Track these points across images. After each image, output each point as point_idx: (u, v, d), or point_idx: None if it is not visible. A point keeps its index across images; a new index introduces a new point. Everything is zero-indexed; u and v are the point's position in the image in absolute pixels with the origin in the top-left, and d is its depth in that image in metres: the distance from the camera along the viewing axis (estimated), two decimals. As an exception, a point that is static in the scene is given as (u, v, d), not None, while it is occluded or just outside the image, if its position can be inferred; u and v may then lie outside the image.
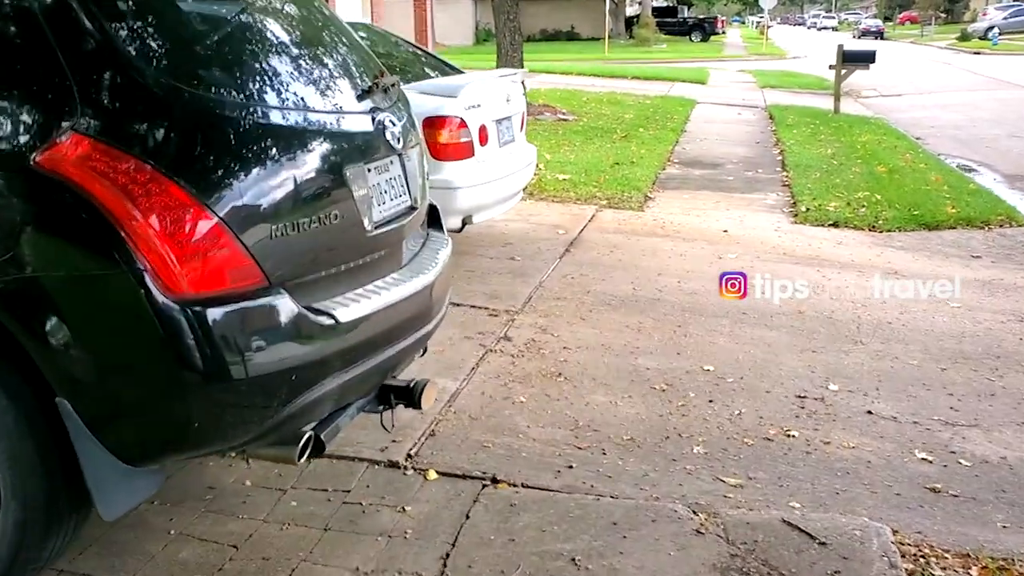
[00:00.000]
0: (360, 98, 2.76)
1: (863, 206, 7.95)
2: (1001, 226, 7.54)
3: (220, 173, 2.21)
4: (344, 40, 3.03)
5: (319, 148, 2.47)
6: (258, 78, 2.41)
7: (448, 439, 3.50)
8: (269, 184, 2.28)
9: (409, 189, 2.99)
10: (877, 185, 8.84)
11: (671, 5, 54.47)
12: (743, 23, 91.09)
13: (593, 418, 3.76)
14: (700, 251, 6.54)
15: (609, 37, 36.74)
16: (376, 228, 2.69)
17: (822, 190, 8.62)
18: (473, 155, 5.39)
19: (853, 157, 10.70)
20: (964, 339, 4.91)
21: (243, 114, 2.29)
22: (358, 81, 2.82)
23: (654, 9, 48.10)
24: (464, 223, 5.44)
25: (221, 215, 2.15)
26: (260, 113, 2.33)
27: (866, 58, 15.35)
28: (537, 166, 9.06)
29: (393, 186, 2.87)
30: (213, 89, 2.27)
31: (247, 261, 2.21)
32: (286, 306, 2.27)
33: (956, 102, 18.55)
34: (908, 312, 5.31)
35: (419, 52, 6.51)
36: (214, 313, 2.13)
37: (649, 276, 5.85)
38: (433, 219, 3.44)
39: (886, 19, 75.48)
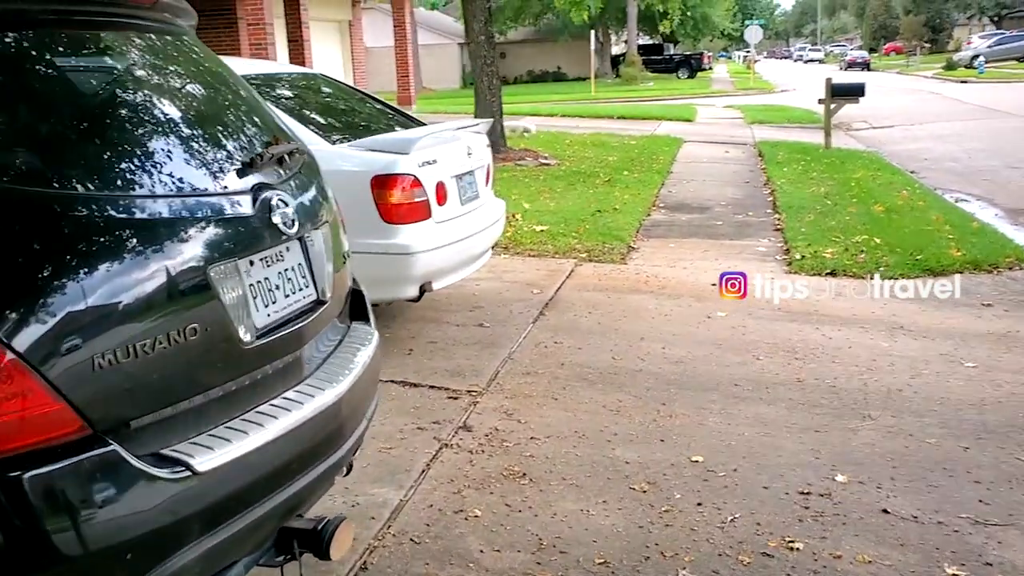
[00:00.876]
0: (240, 174, 2.22)
1: (862, 251, 7.42)
2: (1011, 268, 7.00)
3: (14, 289, 1.65)
4: (231, 102, 2.51)
5: (168, 245, 1.91)
6: (83, 159, 1.86)
7: (382, 574, 2.90)
8: (91, 298, 1.72)
9: (314, 279, 2.44)
10: (875, 227, 8.32)
11: (657, 43, 54.54)
12: (729, 58, 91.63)
13: (561, 533, 3.17)
14: (687, 310, 5.98)
15: (596, 76, 36.56)
16: (261, 337, 2.13)
17: (817, 234, 8.10)
18: (429, 216, 4.86)
19: (848, 196, 10.20)
20: (985, 408, 4.34)
21: (58, 207, 1.74)
22: (238, 154, 2.28)
23: (640, 47, 48.10)
24: (422, 291, 4.89)
25: (14, 345, 1.60)
26: (82, 204, 1.78)
27: (855, 91, 14.93)
28: (514, 216, 8.57)
29: (290, 279, 2.32)
30: (11, 175, 1.72)
31: (55, 405, 1.64)
32: (116, 459, 1.71)
33: (949, 132, 18.16)
34: (919, 376, 4.75)
35: (374, 104, 5.99)
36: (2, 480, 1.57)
37: (631, 342, 5.29)
38: (357, 308, 2.88)
39: (871, 50, 75.83)
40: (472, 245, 5.26)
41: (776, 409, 4.36)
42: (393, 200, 4.67)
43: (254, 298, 2.15)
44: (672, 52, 54.36)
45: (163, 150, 2.06)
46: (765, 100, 31.11)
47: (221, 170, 2.18)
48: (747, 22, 48.26)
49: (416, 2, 49.49)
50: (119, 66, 2.24)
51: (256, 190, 2.23)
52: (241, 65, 5.50)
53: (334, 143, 4.80)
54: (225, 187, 2.15)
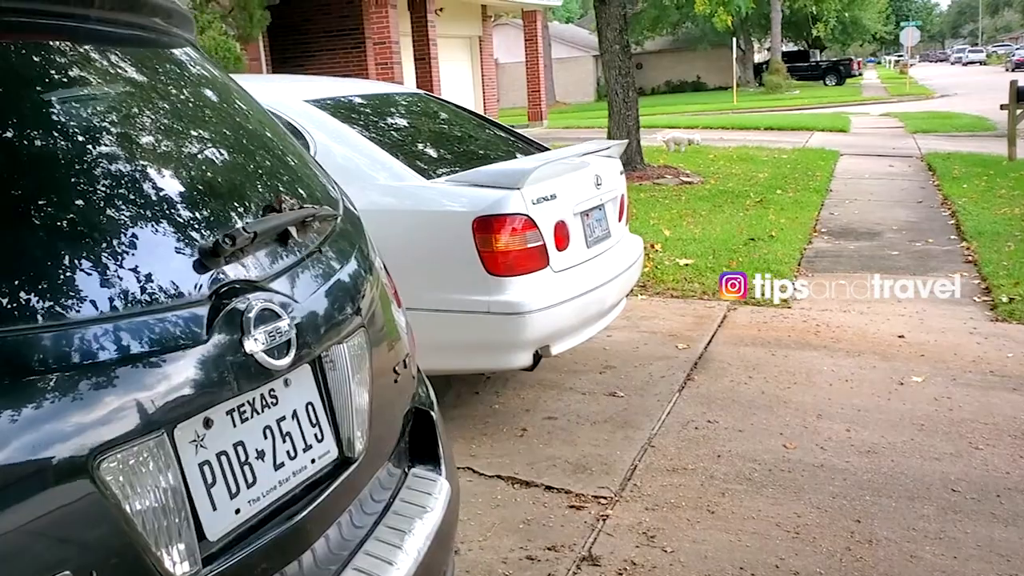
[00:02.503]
0: (198, 269, 1.29)
1: (1089, 291, 5.99)
2: None
3: None
4: (225, 143, 1.60)
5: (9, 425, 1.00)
6: None
7: None
8: None
9: (336, 424, 1.50)
10: (1098, 259, 6.82)
11: (802, 49, 52.02)
12: (879, 63, 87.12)
13: None
14: (871, 372, 4.77)
15: (738, 86, 34.88)
16: (222, 555, 1.21)
17: (1020, 267, 6.67)
18: (546, 264, 3.88)
19: (1051, 218, 8.63)
20: None
21: None
22: (202, 232, 1.35)
23: (784, 54, 45.84)
24: (538, 358, 3.91)
25: None
26: None
27: (1046, 94, 13.07)
28: (652, 247, 7.50)
29: (287, 433, 1.40)
30: None
31: None
32: None
33: None
34: None
35: (489, 128, 5.06)
36: None
37: (805, 420, 4.14)
38: (421, 439, 1.92)
39: (1041, 49, 70.33)
40: (601, 297, 4.23)
41: (1018, 532, 3.15)
42: (500, 246, 3.71)
43: (209, 485, 1.22)
44: (818, 58, 51.71)
45: (64, 229, 1.16)
46: (924, 107, 28.75)
47: (162, 263, 1.26)
48: (902, 24, 45.31)
49: (550, 16, 48.99)
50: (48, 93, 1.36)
51: (219, 296, 1.30)
52: (325, 86, 4.69)
53: (430, 177, 3.89)
54: (159, 296, 1.23)
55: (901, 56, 75.88)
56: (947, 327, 5.56)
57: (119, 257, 1.19)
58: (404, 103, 4.88)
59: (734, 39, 35.83)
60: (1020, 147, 13.57)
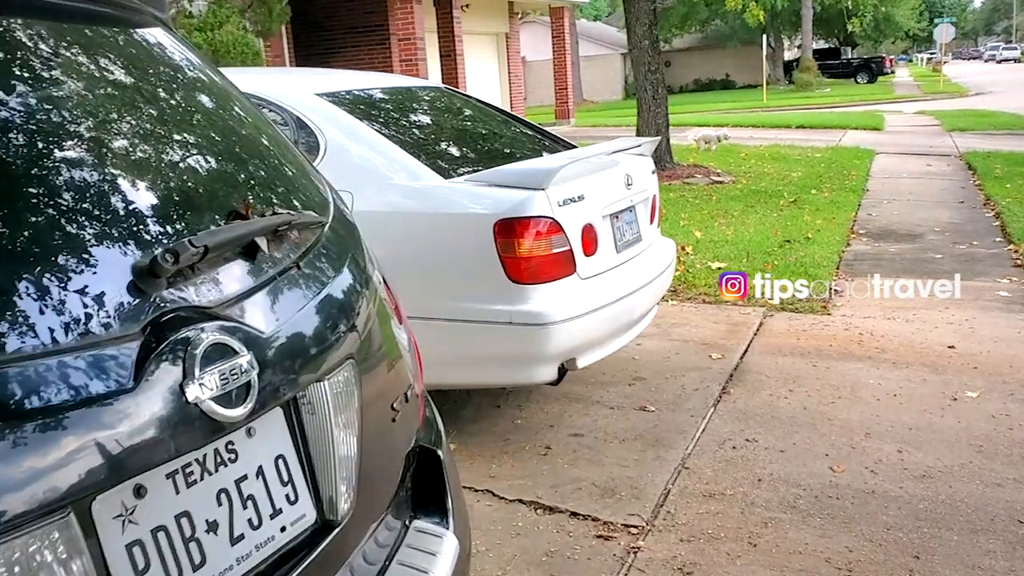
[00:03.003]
0: (131, 293, 1.03)
1: None
2: None
3: None
4: (189, 142, 1.34)
5: None
6: None
7: None
8: None
9: (314, 481, 1.23)
10: None
11: (833, 47, 51.28)
12: (910, 61, 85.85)
13: None
14: (922, 387, 4.45)
15: (767, 83, 34.35)
16: None
17: (1078, 273, 6.30)
18: (573, 271, 3.60)
19: (1103, 219, 8.22)
20: None
21: None
22: (145, 246, 1.09)
23: (815, 51, 45.13)
24: (563, 372, 3.63)
25: None
26: None
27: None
28: (683, 249, 7.19)
29: (250, 497, 1.13)
30: None
31: None
32: None
33: None
34: None
35: (514, 124, 4.77)
36: None
37: (852, 439, 3.83)
38: (427, 487, 1.65)
39: (1077, 45, 69.01)
40: (631, 305, 3.94)
41: (1097, 572, 2.83)
42: (523, 252, 3.43)
43: (141, 572, 0.96)
44: (850, 56, 50.96)
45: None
46: (960, 104, 28.14)
47: (81, 286, 0.99)
48: (936, 20, 44.52)
49: (578, 13, 48.67)
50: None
51: (156, 328, 1.03)
52: (339, 79, 4.44)
53: (449, 177, 3.61)
54: (72, 330, 0.96)
55: (934, 54, 74.73)
56: (1000, 336, 5.21)
57: (19, 279, 0.92)
58: (424, 98, 4.62)
59: (764, 36, 35.26)
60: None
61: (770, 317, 5.70)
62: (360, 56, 17.60)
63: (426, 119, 4.36)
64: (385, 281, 1.73)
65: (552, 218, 3.48)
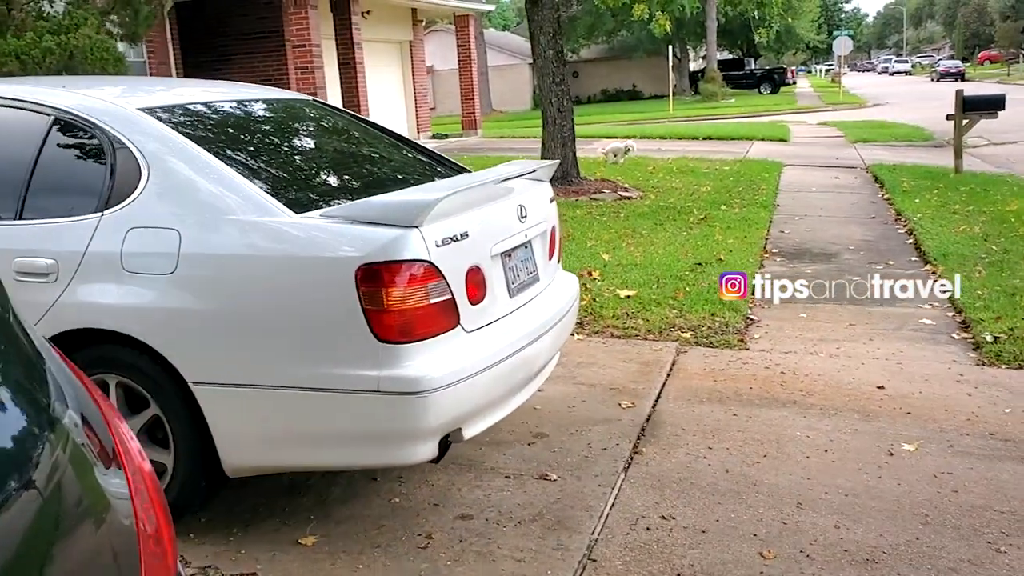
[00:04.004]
0: None
1: (1081, 328, 5.30)
2: None
3: None
4: None
5: None
6: None
7: None
8: None
9: None
10: (1080, 286, 6.17)
11: (737, 58, 52.10)
12: (809, 72, 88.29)
13: None
14: (854, 438, 3.97)
15: (674, 94, 34.47)
16: None
17: (1001, 299, 5.97)
18: (456, 323, 2.99)
19: (1014, 237, 8.01)
20: None
21: None
22: None
23: (719, 62, 45.68)
24: (445, 446, 3.01)
25: None
26: None
27: (993, 104, 12.65)
28: (590, 274, 6.65)
29: None
30: None
31: None
32: None
33: (1096, 148, 15.64)
34: None
35: (394, 145, 4.11)
36: None
37: (783, 512, 3.31)
38: None
39: (964, 60, 72.02)
40: (530, 357, 3.35)
41: None
42: (393, 303, 2.80)
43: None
44: (753, 67, 51.84)
45: None
46: (860, 116, 28.64)
47: None
48: (835, 33, 45.60)
49: (486, 23, 48.28)
50: None
51: None
52: (175, 91, 3.75)
53: (303, 211, 2.96)
54: None
55: (831, 66, 77.00)
56: (930, 373, 4.80)
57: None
58: (284, 114, 3.93)
59: (670, 47, 35.40)
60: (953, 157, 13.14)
61: (684, 354, 5.19)
62: (255, 64, 16.71)
63: (282, 140, 3.68)
64: (86, 419, 1.11)
65: (428, 261, 2.86)
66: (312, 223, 2.91)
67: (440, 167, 3.96)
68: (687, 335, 5.49)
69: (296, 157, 3.52)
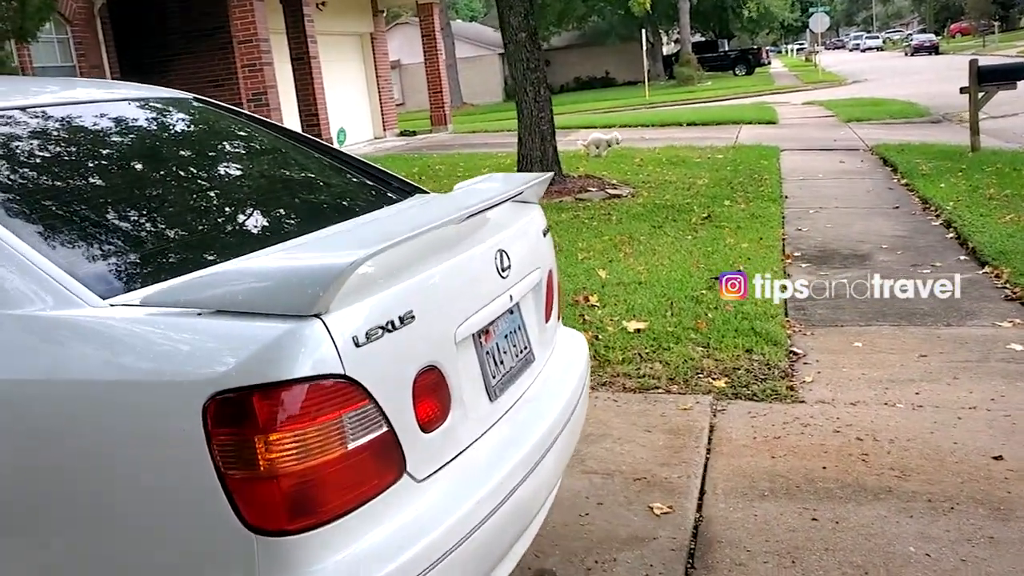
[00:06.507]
0: None
1: None
2: None
3: None
4: None
5: None
6: None
7: None
8: None
9: None
10: None
11: (710, 40, 50.92)
12: (779, 52, 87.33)
13: None
14: (994, 556, 2.75)
15: (648, 79, 33.24)
16: None
17: (1100, 310, 4.79)
18: (399, 471, 1.73)
19: (1079, 227, 6.85)
20: None
21: None
22: None
23: (692, 45, 44.47)
24: None
25: None
26: None
27: (1012, 74, 11.48)
28: (587, 299, 5.41)
29: None
30: None
31: None
32: None
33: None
34: None
35: (316, 159, 2.83)
36: None
37: None
38: None
39: (936, 33, 71.32)
40: (524, 501, 2.07)
41: None
42: (276, 460, 1.54)
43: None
44: (727, 48, 50.67)
45: None
46: (843, 93, 27.50)
47: None
48: (811, 10, 44.54)
49: (452, 14, 46.90)
50: None
51: None
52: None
53: (118, 293, 1.69)
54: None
55: (803, 45, 75.98)
56: (1054, 430, 3.59)
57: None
58: (133, 124, 2.60)
59: (643, 31, 34.11)
60: (953, 132, 11.98)
61: (722, 413, 3.95)
62: (200, 63, 15.33)
63: (115, 168, 2.33)
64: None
65: (341, 375, 1.60)
66: (127, 316, 1.63)
67: (377, 191, 2.68)
68: (721, 383, 4.25)
69: (132, 196, 2.17)
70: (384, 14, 22.43)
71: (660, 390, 4.22)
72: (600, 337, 4.88)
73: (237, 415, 1.53)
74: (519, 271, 2.27)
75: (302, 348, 1.55)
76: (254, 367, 1.52)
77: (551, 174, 2.97)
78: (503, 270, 2.17)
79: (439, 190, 3.02)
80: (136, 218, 2.04)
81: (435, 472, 1.83)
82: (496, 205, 2.16)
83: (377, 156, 16.12)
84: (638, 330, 4.96)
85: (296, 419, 1.55)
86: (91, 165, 2.19)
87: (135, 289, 1.72)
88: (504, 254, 2.18)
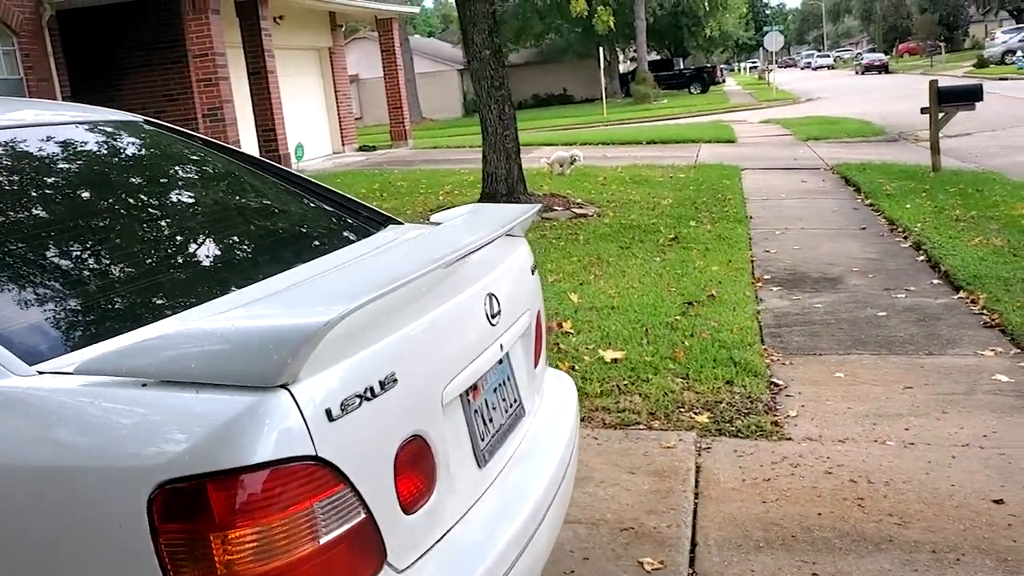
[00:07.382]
0: None
1: None
2: None
3: None
4: None
5: None
6: None
7: None
8: None
9: None
10: None
11: (665, 58, 51.24)
12: (732, 70, 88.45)
13: None
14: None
15: (605, 97, 33.29)
16: None
17: (1083, 338, 4.69)
18: (379, 562, 1.49)
19: (1048, 250, 6.81)
20: None
21: None
22: None
23: (649, 63, 44.72)
24: None
25: None
26: None
27: (970, 95, 11.54)
28: (560, 326, 5.20)
29: None
30: None
31: None
32: None
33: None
34: None
35: (274, 189, 2.58)
36: None
37: None
38: None
39: (885, 52, 72.74)
40: (520, 572, 1.85)
41: None
42: (234, 561, 1.29)
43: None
44: (682, 66, 51.05)
45: None
46: (799, 112, 27.70)
47: None
48: (766, 29, 45.07)
49: (411, 29, 46.73)
50: None
51: None
52: None
53: (41, 359, 1.43)
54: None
55: (755, 63, 76.98)
56: (1053, 470, 3.44)
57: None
58: (69, 151, 2.32)
59: (600, 49, 34.16)
60: (910, 152, 12.04)
61: (707, 451, 3.75)
62: (153, 78, 14.90)
63: (40, 206, 2.03)
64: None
65: (312, 457, 1.36)
66: (58, 386, 1.38)
67: (346, 224, 2.44)
68: (703, 418, 4.05)
69: (68, 238, 1.89)
70: (343, 28, 22.14)
71: (641, 426, 4.01)
72: (577, 368, 4.66)
73: (189, 508, 1.28)
74: (509, 316, 2.04)
75: (265, 426, 1.31)
76: (209, 450, 1.28)
77: (539, 206, 2.76)
78: (493, 316, 1.95)
79: (402, 208, 2.80)
80: (72, 264, 1.78)
81: (419, 559, 1.59)
82: (490, 237, 1.94)
83: (336, 172, 15.81)
84: (615, 360, 4.76)
85: (259, 512, 1.31)
86: (21, 201, 1.92)
87: (69, 352, 1.47)
88: (494, 298, 1.95)
